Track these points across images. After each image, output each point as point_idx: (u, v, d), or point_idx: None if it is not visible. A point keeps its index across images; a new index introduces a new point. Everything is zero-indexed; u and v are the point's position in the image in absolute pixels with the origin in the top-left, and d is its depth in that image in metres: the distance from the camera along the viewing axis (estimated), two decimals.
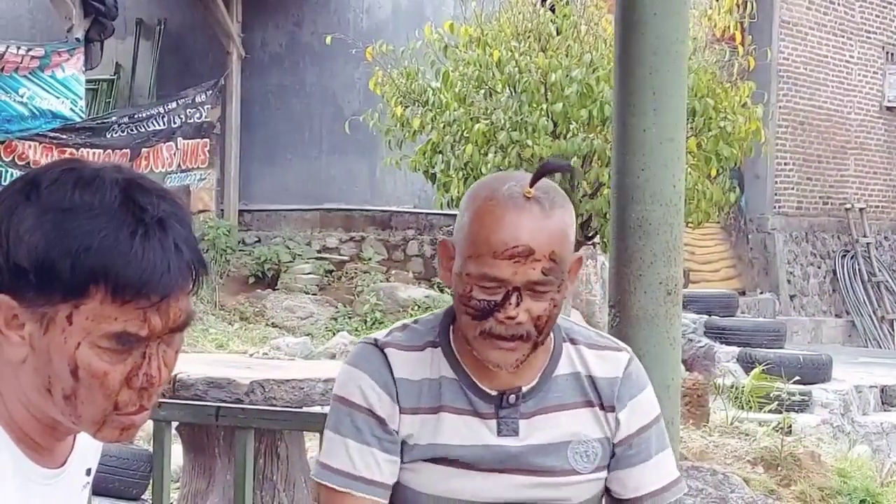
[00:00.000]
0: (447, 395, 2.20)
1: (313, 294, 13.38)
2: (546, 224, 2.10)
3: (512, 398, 2.20)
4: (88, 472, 1.66)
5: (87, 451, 1.64)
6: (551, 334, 2.24)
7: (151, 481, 3.52)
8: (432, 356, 2.22)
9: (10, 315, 1.44)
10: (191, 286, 1.46)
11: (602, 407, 2.24)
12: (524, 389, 2.21)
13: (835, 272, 17.02)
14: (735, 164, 9.17)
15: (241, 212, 14.41)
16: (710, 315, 12.57)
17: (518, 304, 2.09)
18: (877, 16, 17.99)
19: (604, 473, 2.26)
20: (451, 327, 2.22)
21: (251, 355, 10.09)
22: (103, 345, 1.44)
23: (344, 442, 2.18)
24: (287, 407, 4.89)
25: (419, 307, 12.36)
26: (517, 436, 2.20)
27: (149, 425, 4.07)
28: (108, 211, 1.43)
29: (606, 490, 2.32)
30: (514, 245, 2.07)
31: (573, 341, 2.26)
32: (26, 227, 1.43)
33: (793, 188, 16.67)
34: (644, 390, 2.28)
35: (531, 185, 2.13)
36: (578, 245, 8.90)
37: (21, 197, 1.45)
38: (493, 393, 2.20)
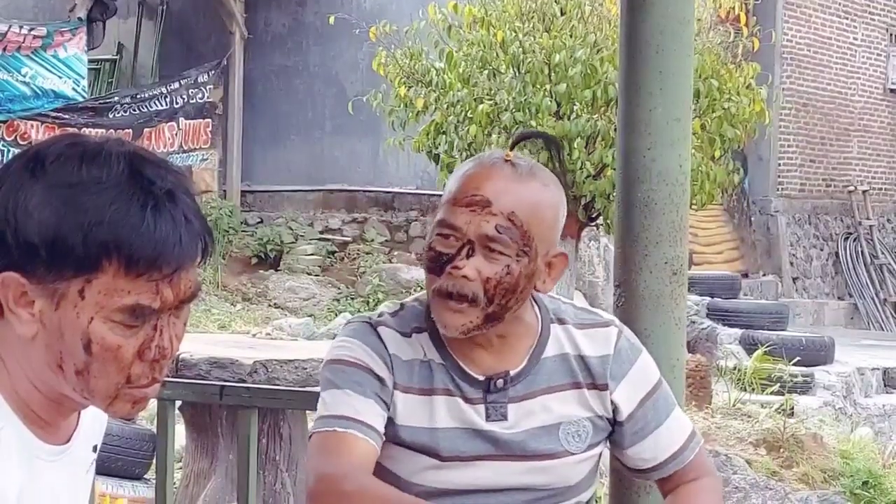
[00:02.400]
0: (438, 379, 2.18)
1: (316, 275, 13.38)
2: (513, 186, 2.10)
3: (500, 382, 2.17)
4: (94, 448, 1.65)
5: (92, 427, 1.64)
6: (537, 317, 2.22)
7: (154, 461, 3.53)
8: (419, 340, 2.19)
9: (20, 292, 1.44)
10: (200, 257, 1.46)
11: (595, 386, 2.21)
12: (512, 373, 2.18)
13: (837, 254, 17.01)
14: (739, 146, 9.16)
15: (243, 192, 14.40)
16: (712, 297, 12.58)
17: (468, 258, 2.08)
18: None
19: (597, 450, 2.24)
20: None
21: (254, 336, 10.09)
22: (116, 318, 1.43)
23: (345, 393, 2.14)
24: (290, 387, 4.89)
25: (421, 288, 12.29)
26: (506, 420, 2.17)
27: (152, 405, 4.07)
28: (116, 184, 1.42)
29: (626, 467, 2.30)
30: (472, 193, 2.09)
31: (561, 321, 2.24)
32: (34, 203, 1.42)
33: (796, 170, 16.65)
34: (637, 360, 2.24)
35: (510, 149, 2.15)
36: (581, 226, 8.90)
37: (26, 174, 1.44)
38: (481, 377, 2.17)
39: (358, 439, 2.10)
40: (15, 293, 1.44)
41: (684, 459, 2.26)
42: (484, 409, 2.17)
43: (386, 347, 2.17)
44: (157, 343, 1.46)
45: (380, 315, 2.23)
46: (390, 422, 2.16)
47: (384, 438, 2.15)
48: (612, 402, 2.22)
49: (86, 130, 12.91)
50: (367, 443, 2.10)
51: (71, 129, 12.80)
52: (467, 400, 2.17)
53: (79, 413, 1.59)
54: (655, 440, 2.24)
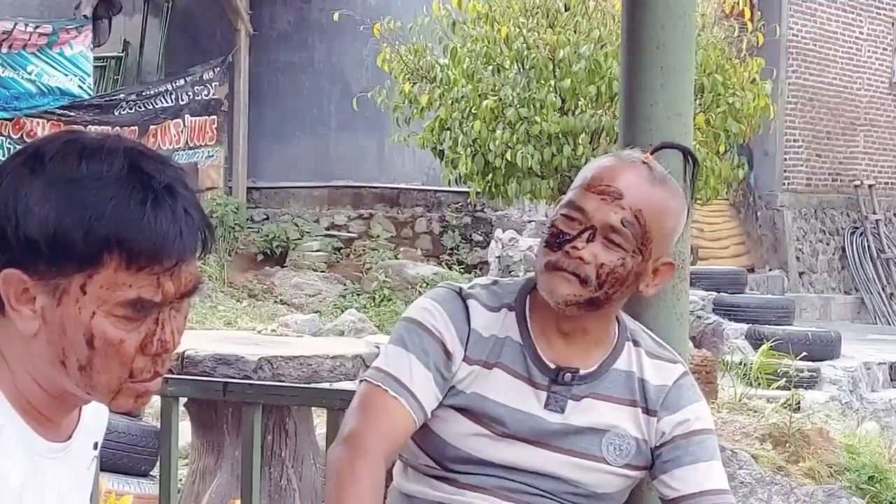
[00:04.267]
0: (507, 355, 2.23)
1: (321, 271, 13.39)
2: (647, 187, 2.18)
3: (568, 376, 2.23)
4: (95, 445, 1.66)
5: (93, 424, 1.64)
6: (616, 330, 2.28)
7: (159, 458, 3.53)
8: (505, 317, 2.25)
9: (21, 289, 1.44)
10: (200, 250, 1.47)
11: (647, 410, 2.26)
12: (582, 372, 2.24)
13: (844, 249, 16.98)
14: (744, 141, 9.15)
15: (249, 189, 14.41)
16: (718, 292, 12.56)
17: (589, 241, 2.15)
18: None
19: (634, 473, 2.27)
20: (530, 296, 2.26)
21: (259, 332, 10.10)
22: (118, 313, 1.44)
23: (409, 357, 2.20)
24: (295, 383, 4.90)
25: (427, 284, 12.35)
26: (562, 413, 2.23)
27: (157, 401, 4.08)
28: (116, 179, 1.43)
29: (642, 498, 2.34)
30: (607, 183, 2.17)
31: (636, 343, 2.30)
32: (35, 199, 1.42)
33: (802, 165, 16.63)
34: (696, 403, 2.29)
35: (651, 153, 2.25)
36: None
37: (25, 170, 1.45)
38: (552, 366, 2.23)
39: (402, 409, 2.16)
40: (16, 290, 1.44)
41: (713, 503, 2.23)
42: (546, 396, 2.23)
43: (469, 321, 2.23)
44: (160, 337, 1.47)
45: (472, 287, 2.29)
46: (451, 389, 2.21)
47: (437, 405, 2.20)
48: (658, 429, 2.26)
49: (91, 128, 12.92)
50: (408, 416, 2.17)
51: (76, 127, 12.82)
52: (532, 384, 2.23)
53: (80, 410, 1.60)
54: (687, 473, 2.24)
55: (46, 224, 1.41)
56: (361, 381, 2.22)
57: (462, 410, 2.21)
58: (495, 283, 2.31)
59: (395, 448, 2.17)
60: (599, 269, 2.14)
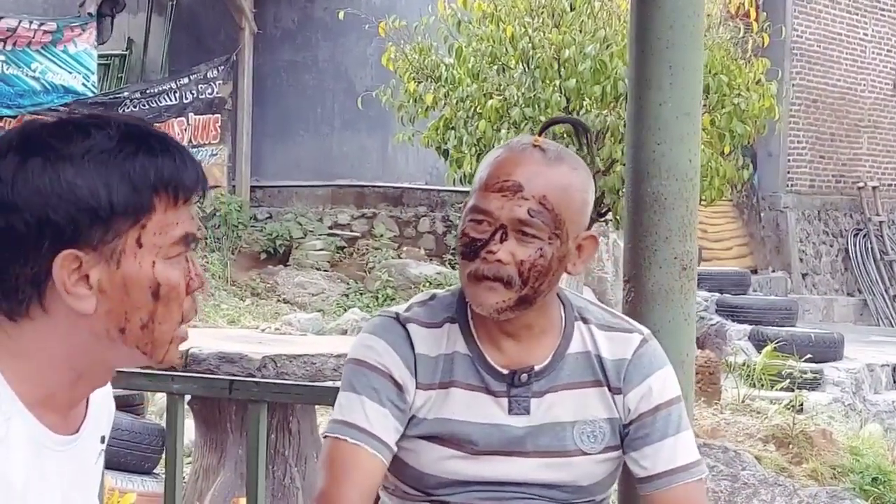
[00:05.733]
0: (459, 371, 2.20)
1: (325, 270, 13.39)
2: (544, 170, 2.13)
3: (524, 377, 2.19)
4: (102, 439, 1.66)
5: (100, 418, 1.65)
6: (561, 313, 2.24)
7: (164, 455, 3.53)
8: (449, 331, 2.22)
9: (74, 269, 1.47)
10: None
11: (609, 388, 2.23)
12: (536, 368, 2.20)
13: (847, 251, 16.97)
14: (748, 142, 9.14)
15: (252, 188, 14.41)
16: (722, 293, 12.56)
17: (502, 242, 2.11)
18: None
19: (614, 454, 2.24)
20: (469, 305, 2.22)
21: (263, 331, 10.09)
22: (173, 253, 1.51)
23: (360, 400, 2.17)
24: (299, 382, 4.89)
25: (430, 284, 12.35)
26: (528, 414, 2.19)
27: (161, 400, 4.07)
28: (126, 137, 1.50)
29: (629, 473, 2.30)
30: (504, 179, 2.12)
31: (585, 320, 2.25)
32: (71, 176, 1.46)
33: (806, 166, 16.62)
34: (657, 372, 2.24)
35: (538, 134, 2.19)
36: (591, 222, 8.89)
37: (38, 159, 1.47)
38: (505, 371, 2.19)
39: (367, 455, 2.15)
40: (70, 272, 1.47)
41: (678, 480, 2.22)
42: (507, 402, 2.19)
43: (413, 347, 2.20)
44: (195, 272, 1.54)
45: (408, 308, 2.25)
46: (411, 418, 2.19)
47: (400, 439, 2.18)
48: (625, 406, 2.23)
49: None
50: (375, 458, 2.15)
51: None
52: (491, 393, 2.19)
53: (87, 403, 1.60)
54: (656, 450, 2.22)
55: (96, 192, 1.46)
56: (324, 436, 2.21)
57: (430, 438, 2.19)
58: (433, 297, 2.27)
59: (370, 491, 2.17)
60: (520, 267, 2.11)
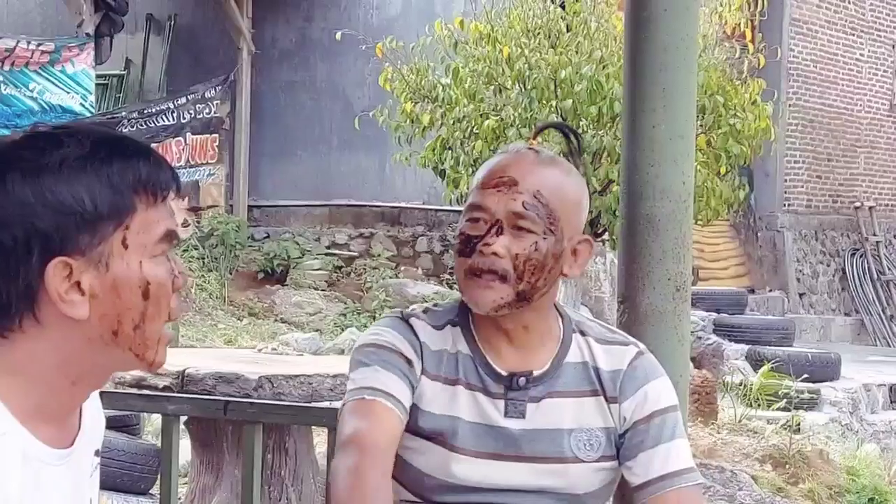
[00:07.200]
0: (462, 370, 2.23)
1: (322, 290, 13.38)
2: (538, 168, 2.19)
3: (522, 381, 2.22)
4: (97, 453, 1.68)
5: (93, 431, 1.66)
6: (560, 325, 2.27)
7: (159, 476, 3.53)
8: (451, 333, 2.26)
9: (65, 276, 1.49)
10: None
11: (607, 398, 2.25)
12: (535, 373, 2.23)
13: (844, 270, 16.99)
14: (745, 162, 9.16)
15: (250, 207, 14.41)
16: (719, 313, 12.57)
17: (497, 235, 2.16)
18: (887, 14, 17.95)
19: (610, 464, 2.26)
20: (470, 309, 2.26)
21: (260, 351, 10.09)
22: (157, 252, 1.54)
23: (373, 369, 2.20)
24: (295, 402, 4.89)
25: (428, 303, 12.33)
26: (523, 418, 2.22)
27: (157, 420, 4.07)
28: (99, 142, 1.54)
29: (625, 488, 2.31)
30: (499, 175, 2.19)
31: (583, 333, 2.29)
32: (51, 184, 1.49)
33: (802, 186, 16.64)
34: (652, 381, 2.27)
35: (533, 138, 2.27)
36: None
37: (16, 175, 1.49)
38: (504, 373, 2.22)
39: (385, 408, 2.15)
40: (61, 279, 1.48)
41: (673, 485, 2.23)
42: (503, 404, 2.22)
43: (417, 336, 2.24)
44: (178, 270, 1.57)
45: (412, 311, 2.31)
46: (414, 407, 2.21)
47: (408, 418, 2.19)
48: (620, 415, 2.25)
49: None
50: (393, 413, 2.16)
51: None
52: (488, 394, 2.22)
53: (80, 417, 1.62)
54: (650, 457, 2.23)
55: (79, 197, 1.49)
56: (343, 405, 2.21)
57: (427, 436, 2.21)
58: (435, 305, 2.33)
59: (392, 438, 2.15)
60: (515, 261, 2.15)
